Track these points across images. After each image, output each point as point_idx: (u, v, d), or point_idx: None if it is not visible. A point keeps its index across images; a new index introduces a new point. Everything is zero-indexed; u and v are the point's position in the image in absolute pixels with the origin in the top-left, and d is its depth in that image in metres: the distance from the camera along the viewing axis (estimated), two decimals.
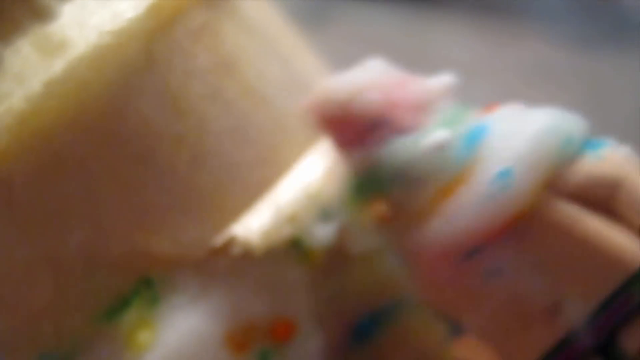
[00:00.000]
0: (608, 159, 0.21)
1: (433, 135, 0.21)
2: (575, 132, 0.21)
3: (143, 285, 0.24)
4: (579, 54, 0.71)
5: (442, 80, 0.23)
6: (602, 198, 0.21)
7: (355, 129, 0.22)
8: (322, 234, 0.25)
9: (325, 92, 0.23)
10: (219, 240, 0.24)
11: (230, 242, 0.24)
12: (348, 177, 0.23)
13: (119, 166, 0.24)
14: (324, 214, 0.25)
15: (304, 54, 0.29)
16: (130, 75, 0.24)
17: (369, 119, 0.22)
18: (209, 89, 0.25)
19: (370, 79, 0.23)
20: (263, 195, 0.25)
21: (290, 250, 0.25)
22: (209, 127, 0.25)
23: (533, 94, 0.63)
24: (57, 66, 0.23)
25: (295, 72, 0.28)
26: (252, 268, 0.25)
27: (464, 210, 0.21)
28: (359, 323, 0.27)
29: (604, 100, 0.63)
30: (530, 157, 0.20)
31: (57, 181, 0.24)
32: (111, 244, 0.24)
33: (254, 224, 0.24)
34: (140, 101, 0.24)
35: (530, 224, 0.21)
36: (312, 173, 0.26)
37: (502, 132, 0.21)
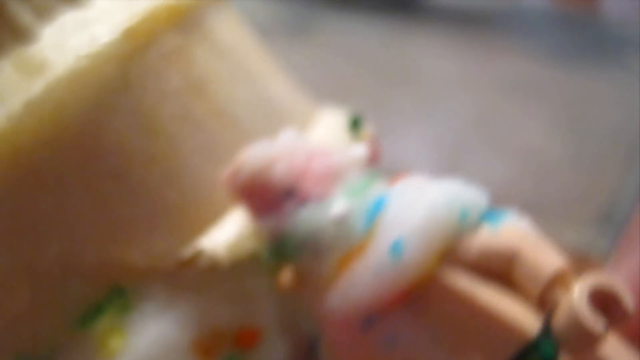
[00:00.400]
0: (502, 232, 0.21)
1: (334, 206, 0.22)
2: (473, 205, 0.21)
3: (115, 294, 0.26)
4: (560, 68, 0.72)
5: (352, 153, 0.24)
6: (497, 271, 0.21)
7: (264, 198, 0.24)
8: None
9: (238, 164, 0.24)
10: (187, 252, 0.26)
11: (198, 254, 0.26)
12: (262, 242, 0.25)
13: (94, 182, 0.25)
14: None
15: (273, 75, 0.31)
16: (106, 96, 0.25)
17: (277, 189, 0.23)
18: (181, 109, 0.26)
19: (279, 151, 0.24)
20: (229, 211, 0.27)
21: (253, 263, 0.26)
22: (180, 145, 0.26)
23: (513, 108, 0.65)
24: (37, 87, 0.25)
25: (263, 93, 0.29)
26: (218, 279, 0.26)
27: (358, 281, 0.21)
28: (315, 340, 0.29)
29: (585, 114, 0.65)
30: (422, 230, 0.21)
31: (35, 195, 0.25)
32: (85, 255, 0.25)
33: (220, 238, 0.26)
34: (115, 121, 0.25)
35: (426, 294, 0.21)
36: None
37: (398, 205, 0.22)
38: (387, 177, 0.24)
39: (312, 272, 0.23)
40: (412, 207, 0.21)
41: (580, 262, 0.47)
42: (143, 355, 0.25)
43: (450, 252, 0.21)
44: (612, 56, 0.76)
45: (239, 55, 0.29)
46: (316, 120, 0.31)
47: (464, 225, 0.21)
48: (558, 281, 0.20)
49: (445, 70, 0.72)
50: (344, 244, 0.22)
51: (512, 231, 0.21)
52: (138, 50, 0.26)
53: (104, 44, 0.25)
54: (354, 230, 0.22)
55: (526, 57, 0.74)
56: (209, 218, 0.26)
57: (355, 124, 0.30)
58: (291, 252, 0.23)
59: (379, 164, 0.32)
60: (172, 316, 0.26)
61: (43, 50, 0.26)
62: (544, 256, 0.20)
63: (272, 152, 0.24)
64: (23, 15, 0.27)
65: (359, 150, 0.25)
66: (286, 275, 0.26)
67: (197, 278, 0.26)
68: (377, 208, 0.22)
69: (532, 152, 0.60)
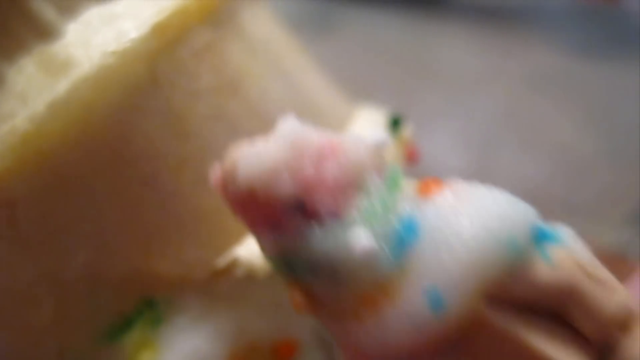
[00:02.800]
0: (556, 263, 0.19)
1: (357, 238, 0.18)
2: (521, 230, 0.19)
3: (146, 306, 0.24)
4: (587, 61, 0.70)
5: (371, 140, 0.20)
6: (549, 307, 0.19)
7: (265, 213, 0.20)
8: None
9: (230, 167, 0.20)
10: (222, 261, 0.24)
11: (234, 263, 0.24)
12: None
13: (123, 187, 0.24)
14: None
15: (307, 71, 0.29)
16: (134, 96, 0.24)
17: (282, 202, 0.19)
18: (213, 109, 0.25)
19: (280, 156, 0.19)
20: None
21: None
22: (213, 147, 0.25)
23: (542, 103, 0.63)
24: (61, 86, 0.23)
25: (298, 90, 0.28)
26: (254, 289, 0.25)
27: (393, 328, 0.18)
28: None
29: (615, 108, 0.63)
30: (465, 275, 0.18)
31: (61, 202, 0.24)
32: (114, 265, 0.24)
33: (257, 247, 0.24)
34: (144, 122, 0.24)
35: (466, 334, 0.19)
36: None
37: (433, 237, 0.18)
38: (413, 177, 0.21)
39: (327, 300, 0.20)
40: (451, 245, 0.18)
41: (617, 263, 0.45)
42: None
43: (497, 287, 0.19)
44: (636, 47, 0.74)
45: (272, 51, 0.27)
46: (354, 119, 0.29)
47: (512, 254, 0.18)
48: (618, 322, 0.18)
49: (470, 65, 0.70)
50: (369, 278, 0.19)
51: (567, 263, 0.19)
52: (168, 47, 0.24)
53: (132, 40, 0.24)
54: (379, 264, 0.19)
55: (552, 51, 0.72)
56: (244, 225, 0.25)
57: (395, 124, 0.29)
58: (302, 273, 0.20)
59: (416, 165, 0.31)
60: (206, 329, 0.24)
61: (68, 48, 0.25)
62: (604, 293, 0.19)
63: (272, 156, 0.19)
64: (46, 11, 0.25)
65: (378, 136, 0.20)
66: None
67: (232, 289, 0.25)
68: (407, 237, 0.19)
69: (563, 149, 0.58)
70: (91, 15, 0.26)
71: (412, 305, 0.18)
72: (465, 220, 0.18)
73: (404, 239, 0.19)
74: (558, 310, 0.19)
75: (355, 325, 0.19)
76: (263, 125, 0.26)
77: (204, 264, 0.24)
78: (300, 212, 0.19)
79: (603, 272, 0.19)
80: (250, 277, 0.24)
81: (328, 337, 0.26)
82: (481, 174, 0.55)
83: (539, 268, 0.19)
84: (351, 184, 0.19)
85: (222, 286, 0.25)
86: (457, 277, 0.18)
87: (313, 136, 0.20)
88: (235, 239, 0.25)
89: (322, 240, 0.19)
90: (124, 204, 0.24)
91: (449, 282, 0.18)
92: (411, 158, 0.29)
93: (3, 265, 0.24)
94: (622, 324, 0.18)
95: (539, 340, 0.19)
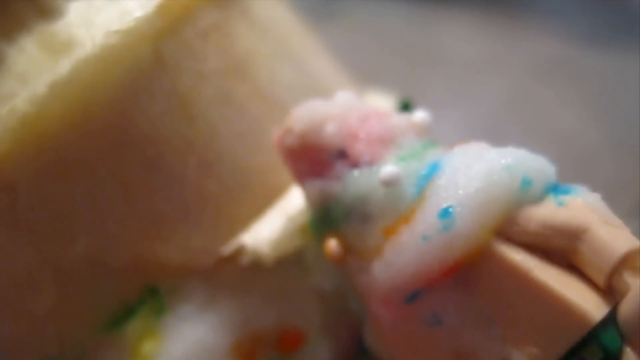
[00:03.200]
0: (569, 205, 0.19)
1: (382, 170, 0.20)
2: (537, 174, 0.19)
3: (149, 294, 0.24)
4: (591, 49, 0.69)
5: (411, 117, 0.22)
6: (559, 248, 0.19)
7: (312, 160, 0.22)
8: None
9: (289, 123, 0.22)
10: (228, 248, 0.24)
11: (240, 251, 0.24)
12: (307, 210, 0.23)
13: (126, 171, 0.23)
14: None
15: (316, 53, 0.29)
16: (138, 77, 0.23)
17: (328, 149, 0.22)
18: (220, 91, 0.24)
19: (332, 110, 0.22)
20: (273, 203, 0.24)
21: (298, 261, 0.24)
22: (219, 131, 0.24)
23: (546, 91, 0.62)
24: (63, 67, 0.22)
25: (307, 73, 0.27)
26: (260, 278, 0.24)
27: (405, 249, 0.20)
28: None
29: (619, 97, 0.62)
30: (476, 195, 0.19)
31: (62, 186, 0.23)
32: (117, 251, 0.23)
33: (264, 233, 0.24)
34: (148, 104, 0.23)
35: (477, 270, 0.19)
36: None
37: (452, 169, 0.20)
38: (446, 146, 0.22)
39: (357, 242, 0.21)
40: (468, 171, 0.19)
41: None
42: None
43: (508, 222, 0.19)
44: None
45: (280, 32, 0.27)
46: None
47: (525, 194, 0.19)
48: (629, 264, 0.18)
49: (474, 52, 0.69)
50: (393, 210, 0.20)
51: (580, 205, 0.19)
52: (173, 27, 0.24)
53: (136, 19, 0.23)
54: (403, 195, 0.20)
55: (556, 39, 0.71)
56: (251, 211, 0.24)
57: (405, 108, 0.28)
58: (338, 219, 0.22)
59: None
60: (211, 318, 0.24)
61: (69, 27, 0.24)
62: (615, 235, 0.18)
63: (325, 110, 0.22)
64: None
65: (421, 115, 0.23)
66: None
67: (237, 277, 0.24)
68: (430, 173, 0.20)
69: (568, 138, 0.58)
70: None
71: (424, 223, 0.19)
72: (484, 155, 0.20)
73: (427, 172, 0.20)
74: (569, 252, 0.19)
75: (377, 261, 0.20)
76: (271, 108, 0.25)
77: (209, 251, 0.24)
78: (343, 160, 0.22)
79: (616, 220, 0.19)
80: (256, 265, 0.24)
81: (336, 327, 0.26)
82: None
83: (550, 207, 0.19)
84: (390, 138, 0.21)
85: (227, 274, 0.24)
86: (468, 198, 0.19)
87: (364, 105, 0.23)
88: (242, 225, 0.24)
89: (357, 181, 0.21)
90: (126, 188, 0.23)
91: (462, 198, 0.19)
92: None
93: (3, 251, 0.24)
94: (635, 267, 0.18)
95: (549, 277, 0.19)
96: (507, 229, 0.19)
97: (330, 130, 0.22)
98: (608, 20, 0.75)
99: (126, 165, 0.23)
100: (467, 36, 0.71)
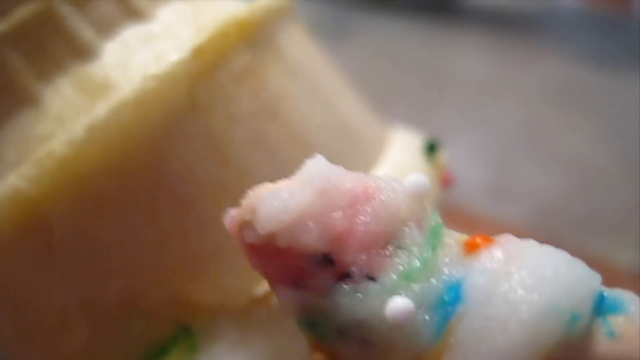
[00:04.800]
0: (622, 337, 0.17)
1: (393, 305, 0.16)
2: (584, 302, 0.16)
3: (182, 333, 0.24)
4: (597, 73, 0.70)
5: (410, 183, 0.18)
6: None
7: (285, 265, 0.17)
8: None
9: (248, 210, 0.18)
10: (261, 289, 0.24)
11: (271, 292, 0.24)
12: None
13: (161, 212, 0.23)
14: None
15: (343, 92, 0.29)
16: (173, 120, 0.23)
17: (308, 255, 0.17)
18: (253, 134, 0.24)
19: (307, 204, 0.17)
20: None
21: None
22: (252, 173, 0.24)
23: (558, 115, 0.63)
24: (101, 110, 0.23)
25: (336, 113, 0.27)
26: (291, 318, 0.24)
27: None
28: None
29: (625, 120, 0.63)
30: (520, 352, 0.16)
31: (97, 226, 0.23)
32: (150, 291, 0.24)
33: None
34: (183, 147, 0.23)
35: None
36: None
37: (480, 307, 0.16)
38: (452, 223, 0.19)
39: None
40: (504, 318, 0.16)
41: (637, 282, 0.45)
42: None
43: None
44: None
45: (310, 73, 0.27)
46: (390, 142, 0.28)
47: (573, 332, 0.16)
48: None
49: (484, 76, 0.70)
50: (406, 350, 0.16)
51: (632, 335, 0.17)
52: (207, 70, 0.24)
53: (172, 63, 0.23)
54: (418, 334, 0.16)
55: (567, 62, 0.72)
56: None
57: (431, 149, 0.28)
58: (326, 336, 0.17)
59: (451, 190, 0.30)
60: (243, 357, 0.24)
61: (105, 69, 0.24)
62: None
63: (297, 205, 0.17)
64: (84, 30, 0.25)
65: (416, 179, 0.18)
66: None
67: (269, 317, 0.24)
68: (451, 304, 0.16)
69: (581, 163, 0.58)
70: (128, 35, 0.25)
71: None
72: (519, 287, 0.16)
73: (447, 306, 0.16)
74: None
75: None
76: (303, 149, 0.25)
77: (242, 291, 0.24)
78: (327, 268, 0.17)
79: None
80: None
81: None
82: (498, 188, 0.54)
83: (601, 342, 0.17)
84: (388, 239, 0.17)
85: (260, 314, 0.24)
86: (510, 355, 0.16)
87: (344, 180, 0.17)
88: None
89: (352, 303, 0.17)
90: (161, 229, 0.23)
91: (502, 357, 0.16)
92: (447, 183, 0.29)
93: (37, 289, 0.24)
94: None
95: None
96: None
97: (310, 232, 0.17)
98: (618, 43, 0.76)
99: (161, 207, 0.23)
100: (476, 59, 0.71)
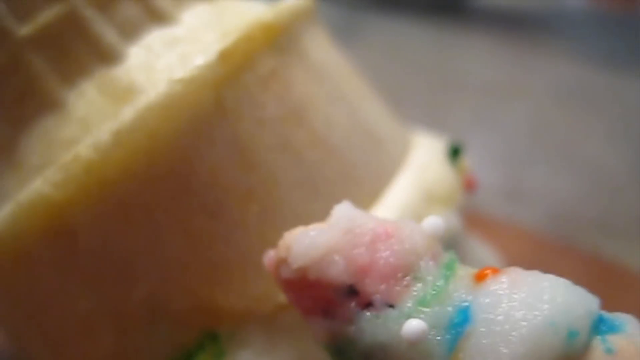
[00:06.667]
0: (620, 353, 0.18)
1: (407, 324, 0.18)
2: (582, 321, 0.18)
3: (208, 340, 0.24)
4: (607, 73, 0.70)
5: (426, 227, 0.20)
6: None
7: (317, 296, 0.19)
8: None
9: (284, 251, 0.20)
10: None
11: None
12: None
13: (187, 218, 0.23)
14: None
15: (367, 96, 0.29)
16: (200, 125, 0.23)
17: (335, 287, 0.19)
18: (279, 138, 0.24)
19: (333, 240, 0.19)
20: None
21: None
22: (279, 178, 0.24)
23: (564, 115, 0.62)
24: (126, 114, 0.23)
25: (361, 117, 0.27)
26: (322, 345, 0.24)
27: None
28: None
29: (637, 119, 0.62)
30: None
31: (123, 232, 0.23)
32: (176, 297, 0.23)
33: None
34: (209, 152, 0.23)
35: None
36: None
37: (487, 327, 0.18)
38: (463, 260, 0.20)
39: None
40: (507, 336, 0.17)
41: None
42: None
43: None
44: None
45: (334, 76, 0.27)
46: (414, 147, 0.28)
47: (571, 347, 0.17)
48: None
49: (495, 77, 0.69)
50: None
51: (630, 351, 0.18)
52: (233, 74, 0.24)
53: (198, 67, 0.23)
54: (431, 352, 0.18)
55: (576, 63, 0.72)
56: None
57: (455, 153, 0.28)
58: None
59: (474, 194, 0.30)
60: None
61: (129, 73, 0.24)
62: None
63: (325, 241, 0.19)
64: (108, 33, 0.25)
65: (433, 222, 0.20)
66: None
67: (295, 323, 0.24)
68: (460, 325, 0.18)
69: (594, 165, 0.58)
70: (152, 39, 0.25)
71: None
72: (521, 306, 0.18)
73: (457, 327, 0.18)
74: None
75: None
76: (328, 154, 0.25)
77: (269, 297, 0.24)
78: (352, 298, 0.19)
79: None
80: None
81: None
82: (510, 191, 0.54)
83: (599, 358, 0.18)
84: (405, 271, 0.19)
85: (286, 320, 0.24)
86: None
87: (367, 221, 0.20)
88: None
89: (374, 328, 0.19)
90: (187, 234, 0.23)
91: None
92: (470, 187, 0.29)
93: (63, 295, 0.24)
94: None
95: None
96: None
97: (337, 266, 0.19)
98: (627, 43, 0.76)
99: (187, 212, 0.23)
100: (486, 60, 0.71)
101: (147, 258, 0.23)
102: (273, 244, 0.23)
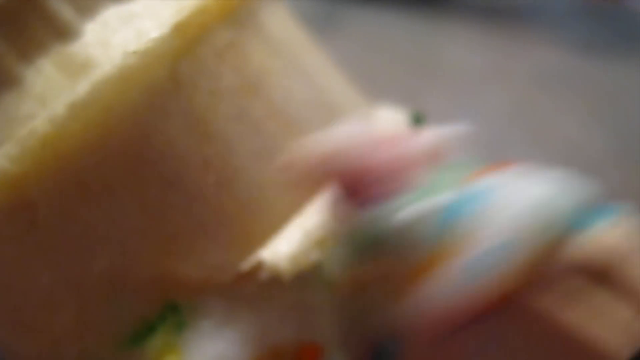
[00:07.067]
0: (593, 241, 0.19)
1: (401, 212, 0.20)
2: (576, 203, 0.19)
3: (169, 310, 0.24)
4: (588, 59, 0.70)
5: (446, 131, 0.23)
6: (599, 276, 0.19)
7: (342, 184, 0.21)
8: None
9: (332, 143, 0.22)
10: (246, 264, 0.24)
11: (258, 266, 0.24)
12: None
13: (145, 190, 0.23)
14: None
15: (327, 68, 0.29)
16: (155, 97, 0.23)
17: (350, 177, 0.21)
18: (235, 110, 0.24)
19: (355, 136, 0.22)
20: (290, 218, 0.25)
21: (317, 274, 0.24)
22: (236, 149, 0.24)
23: (549, 102, 0.62)
24: (81, 88, 0.23)
25: (320, 89, 0.27)
26: (279, 293, 0.24)
27: (445, 288, 0.19)
28: (382, 345, 0.27)
29: (616, 105, 0.63)
30: (516, 237, 0.19)
31: (81, 205, 0.23)
32: (136, 269, 0.24)
33: (282, 249, 0.24)
34: (165, 124, 0.23)
35: (512, 307, 0.19)
36: None
37: (493, 204, 0.19)
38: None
39: (382, 274, 0.21)
40: (512, 207, 0.19)
41: None
42: None
43: (547, 257, 0.19)
44: None
45: (293, 49, 0.27)
46: (376, 118, 0.28)
47: (564, 227, 0.19)
48: None
49: (475, 64, 0.69)
50: (417, 249, 0.20)
51: (612, 239, 0.19)
52: (189, 47, 0.24)
53: (153, 40, 0.23)
54: (428, 235, 0.20)
55: (556, 49, 0.72)
56: (268, 227, 0.24)
57: (417, 121, 0.28)
58: (359, 251, 0.21)
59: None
60: (230, 333, 0.24)
61: (86, 48, 0.24)
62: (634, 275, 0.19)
63: (346, 136, 0.22)
64: (64, 10, 0.25)
65: (457, 128, 0.23)
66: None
67: (256, 292, 0.24)
68: (454, 209, 0.20)
69: (573, 150, 0.58)
70: (109, 15, 0.25)
71: (467, 261, 0.19)
72: (522, 184, 0.19)
73: (451, 210, 0.20)
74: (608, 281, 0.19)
75: (414, 296, 0.20)
76: (286, 125, 0.25)
77: (228, 267, 0.24)
78: (364, 189, 0.21)
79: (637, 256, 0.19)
80: (274, 280, 0.24)
81: (353, 338, 0.26)
82: None
83: (573, 246, 0.19)
84: (404, 171, 0.21)
85: (246, 290, 0.24)
86: (517, 234, 0.19)
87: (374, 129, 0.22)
88: (260, 241, 0.24)
89: (378, 216, 0.20)
90: (146, 206, 0.23)
91: (510, 239, 0.19)
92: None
93: (23, 269, 0.24)
94: None
95: (576, 321, 0.18)
96: (547, 261, 0.19)
97: (383, 152, 0.21)
98: (607, 30, 0.76)
99: (144, 184, 0.23)
100: (468, 47, 0.71)
101: (105, 230, 0.23)
102: (230, 213, 0.24)
